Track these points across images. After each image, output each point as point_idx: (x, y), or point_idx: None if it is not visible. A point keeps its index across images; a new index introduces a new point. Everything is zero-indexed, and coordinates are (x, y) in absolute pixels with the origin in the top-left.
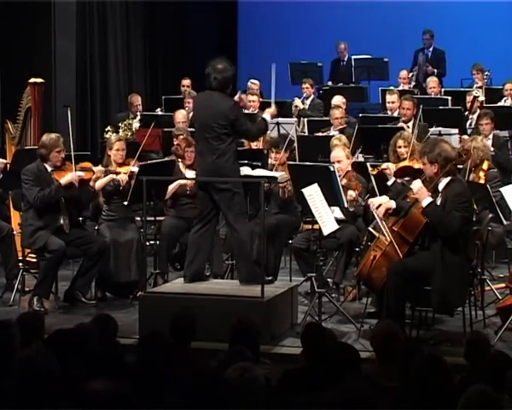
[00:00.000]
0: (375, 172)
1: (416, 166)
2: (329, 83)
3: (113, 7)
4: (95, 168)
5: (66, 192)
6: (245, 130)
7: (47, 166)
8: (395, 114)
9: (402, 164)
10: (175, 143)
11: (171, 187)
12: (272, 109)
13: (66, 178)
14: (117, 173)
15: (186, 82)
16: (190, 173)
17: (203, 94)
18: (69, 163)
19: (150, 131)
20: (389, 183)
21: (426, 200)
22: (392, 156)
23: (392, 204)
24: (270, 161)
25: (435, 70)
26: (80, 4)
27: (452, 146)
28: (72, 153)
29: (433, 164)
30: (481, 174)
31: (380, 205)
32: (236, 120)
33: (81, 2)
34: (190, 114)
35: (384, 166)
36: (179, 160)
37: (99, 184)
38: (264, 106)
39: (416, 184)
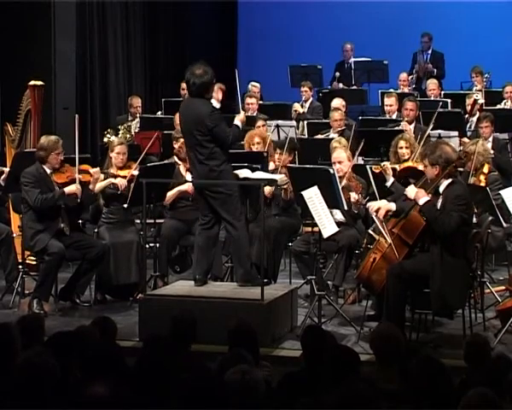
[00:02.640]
0: (378, 171)
1: (420, 167)
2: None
3: (113, 7)
4: (91, 170)
5: (67, 199)
6: (223, 138)
7: (46, 168)
8: (393, 117)
9: (406, 164)
10: (174, 145)
11: (171, 194)
12: (242, 116)
13: (70, 188)
14: (115, 177)
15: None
16: (190, 176)
17: (185, 101)
18: (68, 165)
19: (150, 134)
20: (388, 183)
21: (423, 199)
22: (393, 158)
23: (392, 206)
24: (271, 164)
25: (435, 70)
26: (80, 4)
27: (454, 148)
28: (77, 155)
29: (434, 166)
30: (482, 177)
31: (379, 208)
32: (215, 127)
33: (81, 2)
34: None
35: (383, 164)
36: (180, 163)
37: (98, 186)
38: (262, 108)
39: (411, 190)
